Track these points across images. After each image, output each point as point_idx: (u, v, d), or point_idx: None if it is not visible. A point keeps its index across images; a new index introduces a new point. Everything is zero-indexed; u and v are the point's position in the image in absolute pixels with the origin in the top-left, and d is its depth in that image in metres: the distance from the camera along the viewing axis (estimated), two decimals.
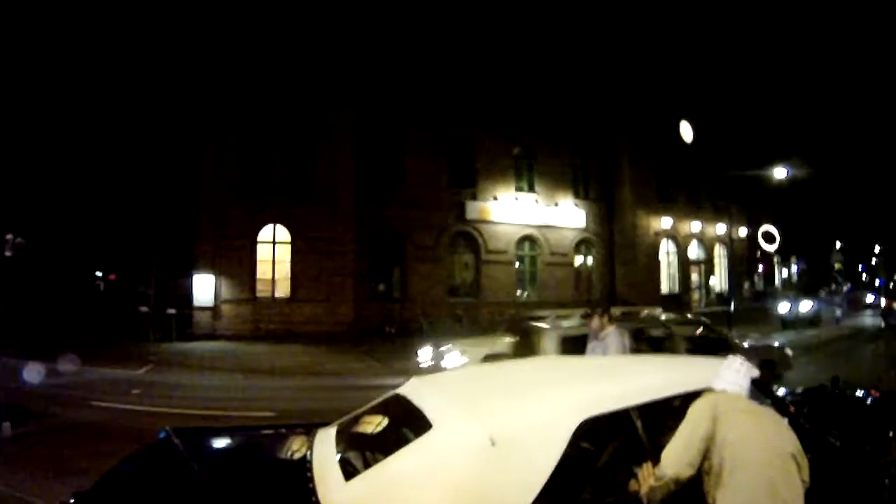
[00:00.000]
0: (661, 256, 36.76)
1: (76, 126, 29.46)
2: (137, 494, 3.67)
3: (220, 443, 4.95)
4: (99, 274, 36.57)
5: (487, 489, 2.97)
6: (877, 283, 62.50)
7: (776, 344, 15.30)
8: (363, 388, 14.35)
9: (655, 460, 3.26)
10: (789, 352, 14.62)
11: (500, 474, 3.00)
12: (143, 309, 24.68)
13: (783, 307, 30.79)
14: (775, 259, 44.09)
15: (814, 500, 3.09)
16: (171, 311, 24.37)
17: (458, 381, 4.57)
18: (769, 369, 11.80)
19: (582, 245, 33.31)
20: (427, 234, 28.11)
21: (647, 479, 3.23)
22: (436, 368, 14.54)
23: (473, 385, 4.27)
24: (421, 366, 15.47)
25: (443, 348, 14.96)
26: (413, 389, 4.09)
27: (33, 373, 15.41)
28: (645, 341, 10.87)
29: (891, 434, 4.71)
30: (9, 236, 26.04)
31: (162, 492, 3.64)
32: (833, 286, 33.76)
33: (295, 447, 4.36)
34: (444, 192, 28.55)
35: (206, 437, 4.97)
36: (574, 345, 9.96)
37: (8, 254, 24.07)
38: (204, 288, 25.41)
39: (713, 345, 12.07)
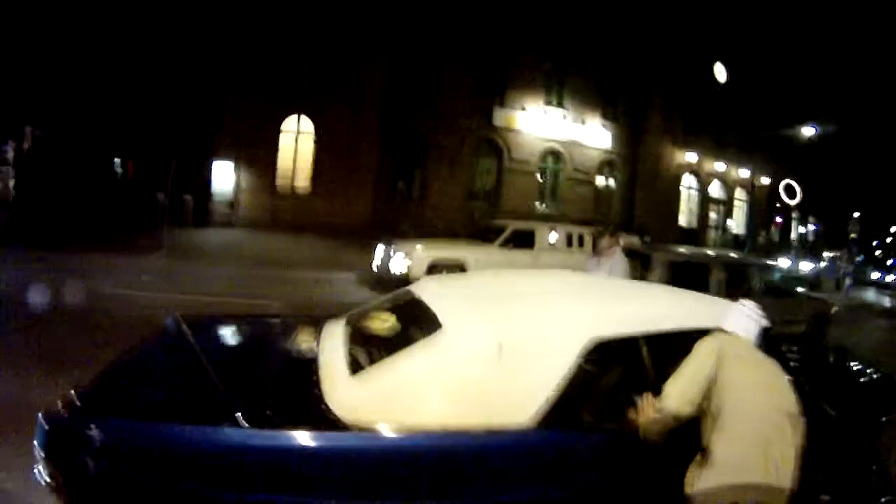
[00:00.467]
0: (682, 190, 36.32)
1: (96, 11, 28.81)
2: (141, 385, 3.59)
3: (227, 332, 4.89)
4: (118, 160, 36.22)
5: (490, 395, 2.95)
6: (889, 262, 62.04)
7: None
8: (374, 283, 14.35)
9: (656, 393, 3.14)
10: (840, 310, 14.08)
11: (504, 382, 2.98)
12: (160, 196, 23.67)
13: (783, 262, 29.98)
14: (793, 215, 43.39)
15: (801, 466, 2.93)
16: (188, 197, 23.99)
17: (470, 285, 4.46)
18: (822, 324, 11.12)
19: (605, 166, 32.92)
20: (451, 137, 27.54)
21: (646, 409, 3.13)
22: (383, 269, 15.03)
23: (487, 290, 4.16)
24: (372, 265, 15.64)
25: (391, 249, 14.83)
26: (426, 288, 4.05)
27: (41, 263, 15.27)
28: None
29: (883, 419, 4.45)
30: (27, 128, 25.79)
31: (166, 382, 3.60)
32: (846, 254, 32.68)
33: (302, 339, 4.31)
34: (471, 98, 27.87)
35: (214, 325, 4.89)
36: None
37: (26, 146, 23.80)
38: (223, 176, 24.99)
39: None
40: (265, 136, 24.93)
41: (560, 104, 30.53)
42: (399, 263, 14.33)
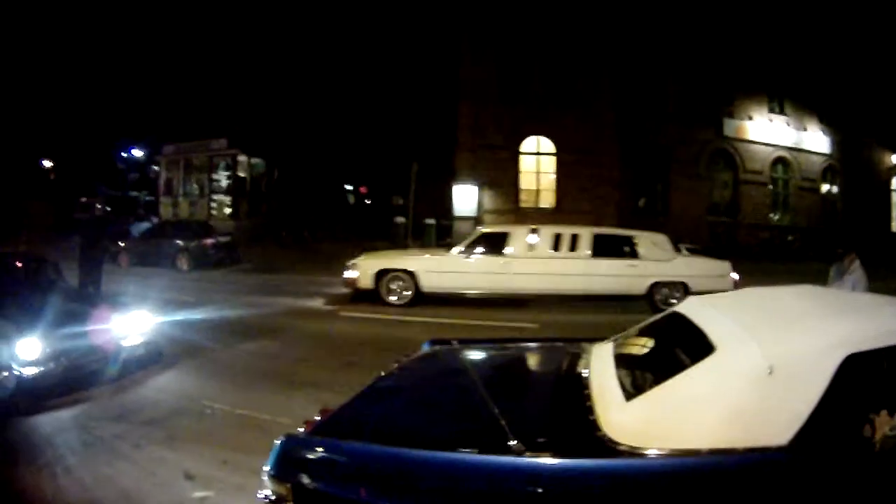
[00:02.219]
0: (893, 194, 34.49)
1: (332, 41, 29.43)
2: (398, 409, 3.63)
3: (487, 355, 4.83)
4: (349, 187, 37.16)
5: (758, 417, 2.87)
6: None
7: None
8: (628, 303, 13.67)
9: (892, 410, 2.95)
10: None
11: (770, 403, 2.90)
12: (399, 220, 24.84)
13: None
14: None
15: None
16: (430, 220, 24.22)
17: (735, 305, 4.17)
18: None
19: (828, 172, 31.13)
20: (687, 149, 26.65)
21: (882, 427, 2.94)
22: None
23: (750, 310, 3.93)
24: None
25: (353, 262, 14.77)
26: (693, 309, 3.92)
27: (284, 284, 16.51)
28: None
29: None
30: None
31: (425, 407, 3.62)
32: None
33: (566, 362, 4.20)
34: (702, 108, 26.86)
35: (472, 349, 4.89)
36: None
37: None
38: (465, 198, 24.88)
39: None
40: (506, 158, 24.97)
41: (782, 111, 29.15)
42: (349, 272, 14.28)
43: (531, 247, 14.02)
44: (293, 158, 34.98)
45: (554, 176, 25.12)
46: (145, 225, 29.96)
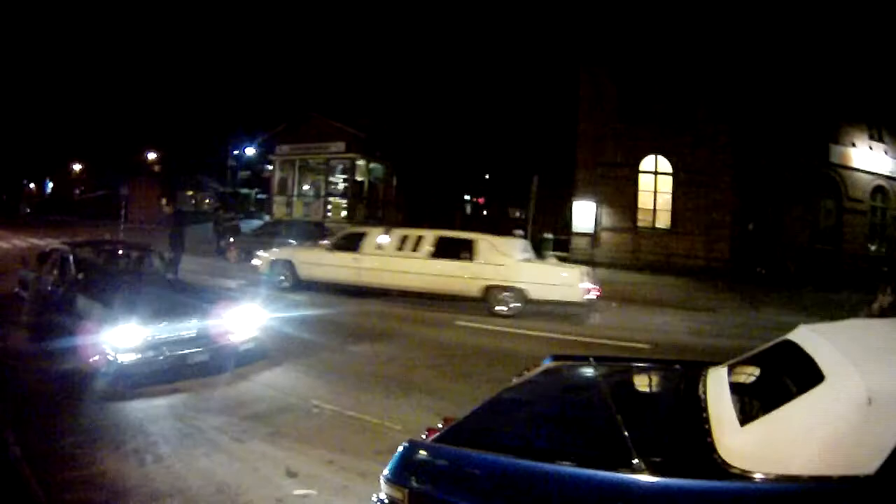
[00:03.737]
0: None
1: (457, 55, 30.36)
2: (518, 422, 3.69)
3: (608, 372, 4.82)
4: (467, 197, 37.89)
5: (854, 446, 2.91)
6: None
7: None
8: (738, 328, 13.85)
9: None
10: None
11: (865, 433, 2.94)
12: (518, 232, 24.54)
13: None
14: None
15: None
16: (548, 235, 25.26)
17: (843, 335, 4.19)
18: None
19: None
20: (796, 175, 26.87)
21: None
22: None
23: (858, 340, 3.99)
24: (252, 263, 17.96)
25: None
26: (804, 337, 3.96)
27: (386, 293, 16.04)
28: None
29: None
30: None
31: (545, 421, 3.64)
32: None
33: (685, 384, 4.21)
34: (811, 134, 26.99)
35: (593, 365, 4.93)
36: None
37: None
38: (584, 214, 25.74)
39: None
40: (624, 176, 25.64)
41: (881, 138, 29.45)
42: (255, 260, 17.24)
43: (379, 246, 15.55)
44: (413, 166, 35.61)
45: (670, 196, 25.68)
46: (256, 222, 30.87)
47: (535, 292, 13.78)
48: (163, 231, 21.40)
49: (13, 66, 57.21)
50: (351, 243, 15.76)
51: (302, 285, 16.05)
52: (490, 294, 14.10)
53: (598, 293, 14.26)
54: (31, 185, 78.21)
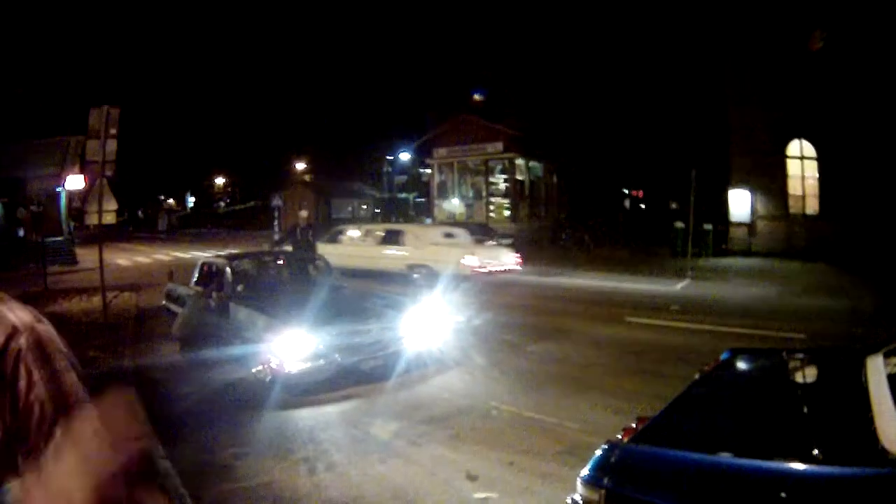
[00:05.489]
0: None
1: (607, 50, 31.07)
2: (705, 418, 3.69)
3: (781, 363, 4.79)
4: (625, 191, 38.75)
5: None
6: None
7: None
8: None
9: None
10: None
11: None
12: (679, 224, 25.04)
13: None
14: None
15: None
16: (708, 226, 24.85)
17: None
18: None
19: None
20: None
21: None
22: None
23: None
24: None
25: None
26: None
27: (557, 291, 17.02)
28: None
29: None
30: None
31: (730, 415, 3.65)
32: None
33: (850, 372, 4.00)
34: None
35: (767, 357, 4.97)
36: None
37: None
38: (740, 203, 26.08)
39: None
40: (773, 163, 25.58)
41: None
42: None
43: (351, 238, 20.64)
44: (572, 163, 35.65)
45: (816, 181, 25.47)
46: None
47: (437, 268, 17.53)
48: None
49: (150, 86, 59.36)
50: (335, 237, 20.79)
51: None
52: (410, 270, 18.18)
53: (502, 269, 18.29)
54: (170, 201, 79.27)
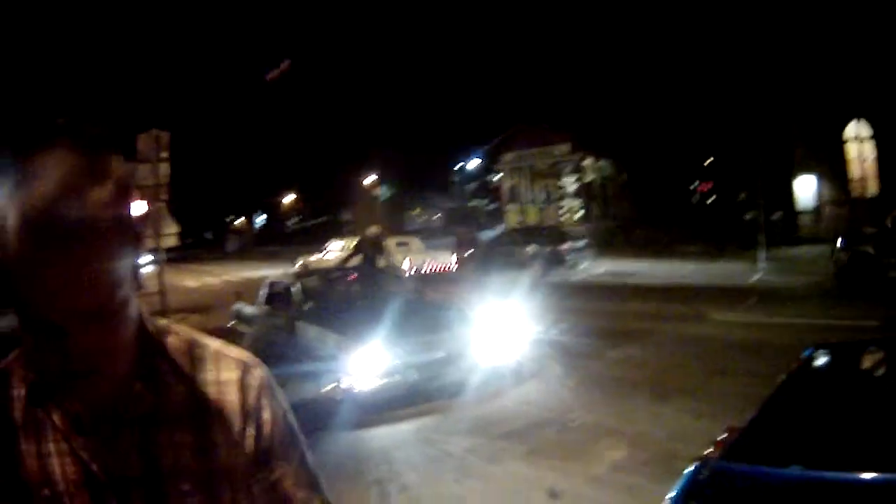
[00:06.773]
0: None
1: (670, 43, 31.36)
2: (806, 425, 3.31)
3: (867, 357, 4.37)
4: (694, 184, 38.31)
5: None
6: None
7: None
8: None
9: None
10: None
11: None
12: (749, 215, 24.09)
13: None
14: None
15: None
16: (776, 215, 24.45)
17: None
18: None
19: None
20: None
21: None
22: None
23: None
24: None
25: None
26: None
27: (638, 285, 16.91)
28: None
29: None
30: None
31: (833, 419, 3.27)
32: None
33: None
34: None
35: (852, 352, 4.55)
36: None
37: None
38: (805, 190, 26.08)
39: None
40: (833, 146, 25.53)
41: None
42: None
43: (330, 251, 25.38)
44: (639, 160, 35.15)
45: (874, 162, 25.12)
46: (489, 233, 31.32)
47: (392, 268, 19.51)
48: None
49: (216, 109, 59.82)
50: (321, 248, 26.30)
51: None
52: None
53: (439, 269, 22.41)
54: (239, 220, 78.94)
